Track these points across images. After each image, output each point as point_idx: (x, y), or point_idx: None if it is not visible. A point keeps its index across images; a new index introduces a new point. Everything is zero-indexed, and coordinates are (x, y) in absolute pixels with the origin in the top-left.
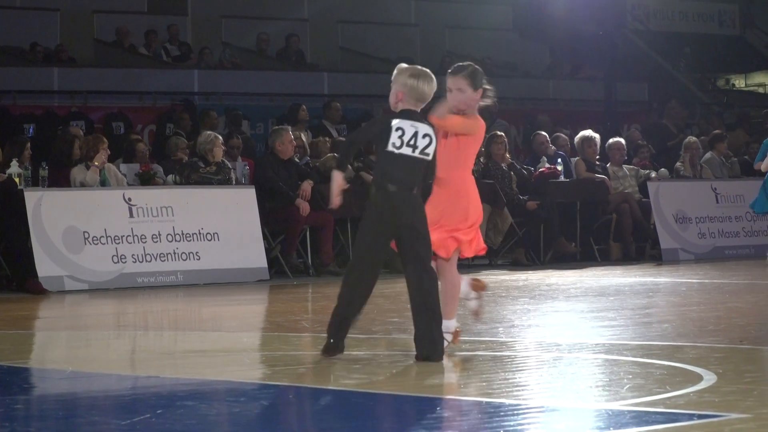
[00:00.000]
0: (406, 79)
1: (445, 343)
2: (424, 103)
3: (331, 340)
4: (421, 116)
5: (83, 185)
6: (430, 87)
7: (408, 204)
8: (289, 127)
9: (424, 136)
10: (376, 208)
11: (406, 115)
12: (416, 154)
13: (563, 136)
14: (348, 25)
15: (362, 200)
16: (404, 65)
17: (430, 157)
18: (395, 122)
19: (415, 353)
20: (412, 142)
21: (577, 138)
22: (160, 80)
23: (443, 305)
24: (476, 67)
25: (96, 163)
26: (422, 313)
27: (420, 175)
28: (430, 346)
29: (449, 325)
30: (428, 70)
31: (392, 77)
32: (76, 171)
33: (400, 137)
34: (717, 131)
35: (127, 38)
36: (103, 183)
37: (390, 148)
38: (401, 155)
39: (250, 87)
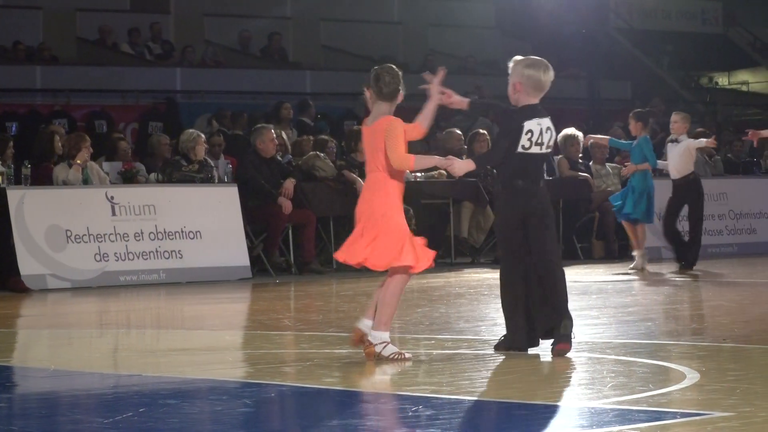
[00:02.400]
0: (522, 69)
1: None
2: (542, 92)
3: (509, 335)
4: (541, 108)
5: (66, 184)
6: (547, 75)
7: (536, 196)
8: (271, 126)
9: (547, 129)
10: (503, 202)
11: (530, 113)
12: (543, 150)
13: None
14: (330, 23)
15: (345, 199)
16: (520, 57)
17: (551, 149)
18: (526, 125)
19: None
20: (539, 140)
21: (559, 136)
22: (142, 78)
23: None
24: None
25: (78, 162)
26: (544, 305)
27: (543, 168)
28: (559, 334)
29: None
30: (544, 60)
31: (509, 70)
32: (59, 169)
33: (530, 139)
34: (700, 129)
35: (110, 36)
36: (86, 181)
37: (520, 149)
38: (532, 155)
39: (233, 85)
